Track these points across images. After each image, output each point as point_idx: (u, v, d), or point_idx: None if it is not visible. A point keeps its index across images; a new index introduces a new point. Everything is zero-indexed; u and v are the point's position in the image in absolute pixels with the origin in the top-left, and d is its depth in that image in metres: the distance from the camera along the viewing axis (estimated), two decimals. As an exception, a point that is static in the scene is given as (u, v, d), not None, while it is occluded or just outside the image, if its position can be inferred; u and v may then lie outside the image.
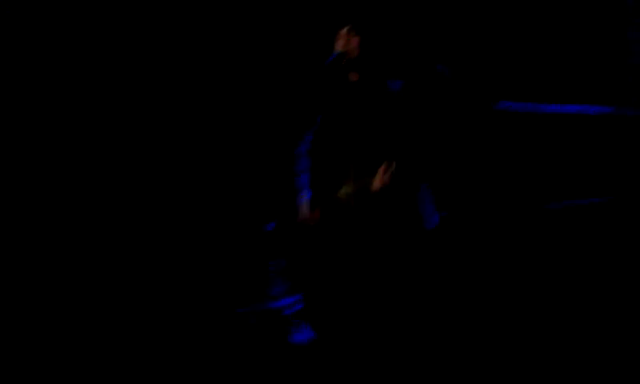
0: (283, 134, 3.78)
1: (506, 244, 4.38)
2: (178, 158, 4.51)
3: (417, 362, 3.44)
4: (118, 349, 4.08)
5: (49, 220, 4.33)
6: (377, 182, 3.40)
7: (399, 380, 3.38)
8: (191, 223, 4.50)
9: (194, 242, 4.48)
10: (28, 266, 4.24)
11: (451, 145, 4.34)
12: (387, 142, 3.49)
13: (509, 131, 4.34)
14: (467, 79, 3.84)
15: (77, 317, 4.19)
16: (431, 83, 3.68)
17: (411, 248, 3.50)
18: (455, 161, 4.40)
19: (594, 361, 3.71)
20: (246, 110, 4.58)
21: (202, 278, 4.43)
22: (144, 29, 4.43)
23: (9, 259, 4.20)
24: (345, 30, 3.51)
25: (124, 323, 4.25)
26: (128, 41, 4.41)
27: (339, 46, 3.51)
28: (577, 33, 4.60)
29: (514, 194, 4.39)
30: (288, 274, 3.85)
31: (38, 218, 4.30)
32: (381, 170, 3.40)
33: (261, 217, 4.02)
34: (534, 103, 3.83)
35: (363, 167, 3.46)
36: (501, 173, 4.43)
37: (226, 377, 3.80)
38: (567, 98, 4.26)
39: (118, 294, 4.34)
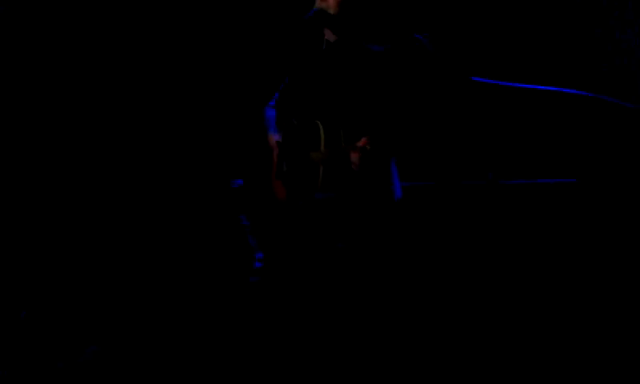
0: (254, 89, 3.70)
1: (471, 217, 4.40)
2: (146, 113, 4.45)
3: (381, 331, 3.45)
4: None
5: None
6: (354, 156, 3.29)
7: (359, 345, 3.41)
8: (160, 180, 4.46)
9: (163, 198, 4.44)
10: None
11: (425, 115, 4.33)
12: (361, 107, 3.42)
13: (484, 105, 4.33)
14: (445, 49, 3.80)
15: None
16: (408, 51, 3.64)
17: (380, 217, 3.46)
18: (428, 131, 4.39)
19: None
20: (216, 65, 4.51)
21: (173, 234, 4.42)
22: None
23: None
24: None
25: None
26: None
27: (318, 1, 3.41)
28: (560, 14, 4.59)
29: (482, 167, 4.40)
30: (251, 231, 3.83)
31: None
32: (362, 143, 3.29)
33: (229, 173, 3.98)
34: (510, 81, 3.82)
35: (336, 130, 3.38)
36: (471, 145, 4.44)
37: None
38: (543, 79, 4.25)
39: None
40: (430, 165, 4.47)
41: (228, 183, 3.93)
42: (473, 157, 4.43)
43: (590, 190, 4.38)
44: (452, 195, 4.41)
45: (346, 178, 3.38)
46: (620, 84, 4.46)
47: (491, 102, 4.31)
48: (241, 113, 4.30)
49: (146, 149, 4.48)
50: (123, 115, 4.45)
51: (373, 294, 3.45)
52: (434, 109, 4.33)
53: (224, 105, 4.50)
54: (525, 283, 4.20)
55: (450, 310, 3.97)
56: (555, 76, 4.38)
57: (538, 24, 4.58)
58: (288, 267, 3.54)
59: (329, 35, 3.46)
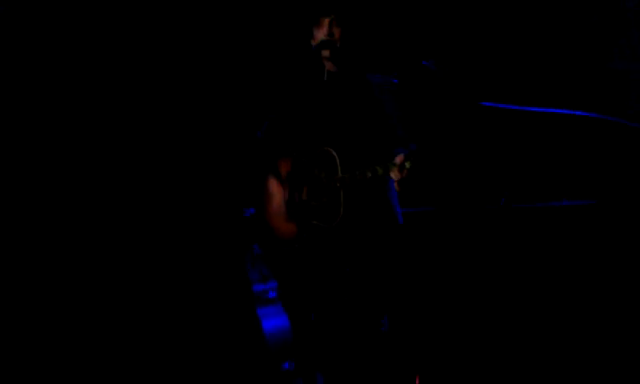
0: (255, 119, 3.73)
1: (482, 240, 4.39)
2: (155, 144, 4.47)
3: (389, 350, 3.45)
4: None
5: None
6: (395, 174, 3.26)
7: (368, 368, 3.41)
8: (170, 208, 4.48)
9: (173, 226, 4.46)
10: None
11: (434, 140, 4.33)
12: (364, 134, 3.44)
13: (493, 129, 4.34)
14: (453, 75, 3.82)
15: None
16: (416, 78, 3.67)
17: (387, 240, 3.46)
18: (437, 156, 4.38)
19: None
20: (223, 94, 4.55)
21: (182, 260, 4.43)
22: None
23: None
24: (328, 19, 3.42)
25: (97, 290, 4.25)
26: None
27: (321, 34, 3.44)
28: (564, 37, 4.58)
29: (493, 191, 4.39)
30: (263, 260, 3.85)
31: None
32: (399, 160, 3.25)
33: (241, 202, 4.01)
34: (518, 105, 3.82)
35: (348, 154, 3.39)
36: (482, 169, 4.44)
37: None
38: (551, 102, 4.25)
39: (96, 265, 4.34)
40: (442, 190, 4.47)
41: (241, 211, 3.96)
42: (485, 181, 4.43)
43: (610, 211, 4.35)
44: (464, 220, 4.40)
45: (366, 202, 3.38)
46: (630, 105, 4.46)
47: (502, 127, 4.31)
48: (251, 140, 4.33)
49: (159, 164, 4.49)
50: (134, 131, 4.46)
51: (382, 318, 3.45)
52: (445, 134, 4.34)
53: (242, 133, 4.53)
54: (541, 308, 4.18)
55: (460, 334, 3.96)
56: (565, 98, 4.38)
57: (543, 48, 4.59)
58: (298, 292, 3.54)
59: (329, 66, 3.51)
